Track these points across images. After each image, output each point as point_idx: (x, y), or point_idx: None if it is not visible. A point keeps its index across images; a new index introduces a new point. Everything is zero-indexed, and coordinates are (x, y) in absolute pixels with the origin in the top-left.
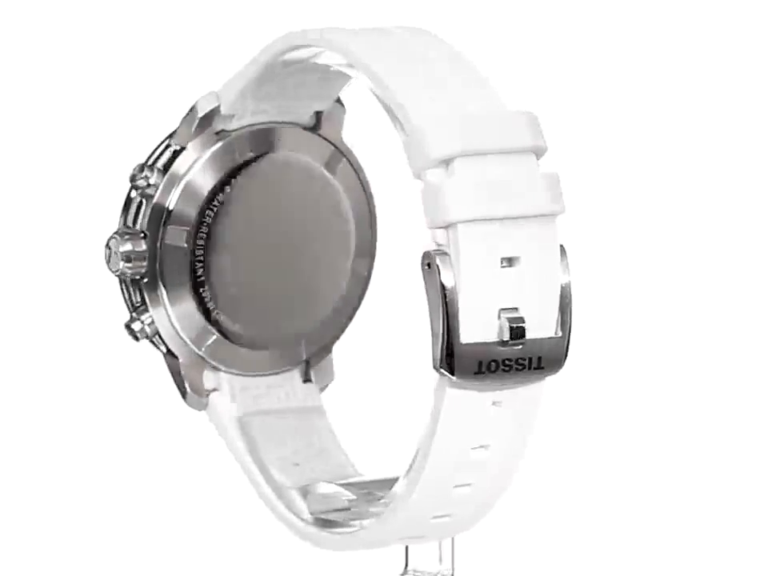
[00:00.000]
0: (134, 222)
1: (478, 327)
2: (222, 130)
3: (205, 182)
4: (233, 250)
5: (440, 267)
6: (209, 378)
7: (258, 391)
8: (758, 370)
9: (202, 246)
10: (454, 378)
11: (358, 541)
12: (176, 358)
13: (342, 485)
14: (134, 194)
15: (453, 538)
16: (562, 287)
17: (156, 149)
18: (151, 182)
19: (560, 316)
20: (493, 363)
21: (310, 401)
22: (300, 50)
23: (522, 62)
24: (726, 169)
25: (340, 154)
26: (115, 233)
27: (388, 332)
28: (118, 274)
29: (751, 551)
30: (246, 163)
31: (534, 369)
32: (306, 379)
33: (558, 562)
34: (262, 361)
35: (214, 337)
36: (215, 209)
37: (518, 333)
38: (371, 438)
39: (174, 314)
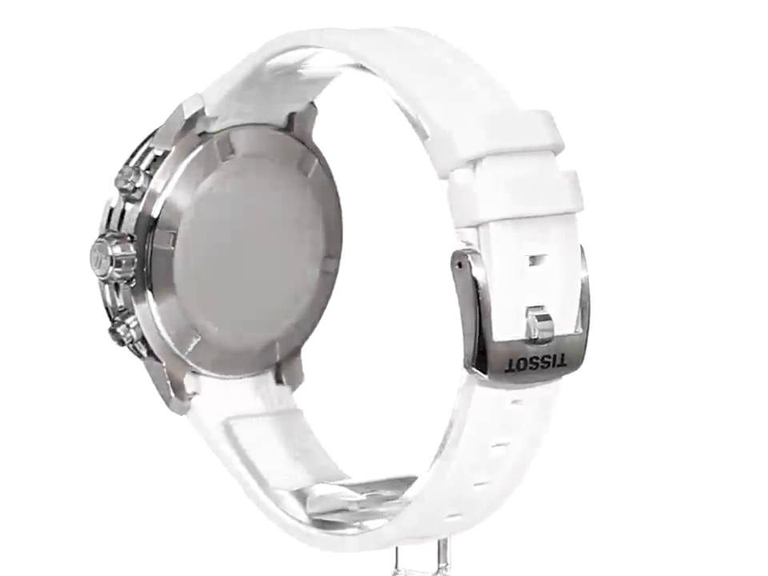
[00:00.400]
0: (119, 225)
1: (509, 325)
2: (204, 132)
3: (192, 184)
4: (215, 254)
5: (473, 266)
6: (189, 382)
7: (237, 394)
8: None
9: (187, 249)
10: (485, 376)
11: (369, 541)
12: (159, 361)
13: (344, 485)
14: (115, 196)
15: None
16: (581, 284)
17: (137, 150)
18: (137, 185)
19: (579, 312)
20: (522, 361)
21: (285, 403)
22: (298, 51)
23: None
24: (724, 166)
25: (312, 155)
26: (101, 236)
27: (351, 331)
28: (105, 278)
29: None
30: (228, 165)
31: (557, 366)
32: (279, 381)
33: (556, 562)
34: (239, 363)
35: (197, 340)
36: (200, 211)
37: (547, 330)
38: (347, 437)
39: (160, 317)
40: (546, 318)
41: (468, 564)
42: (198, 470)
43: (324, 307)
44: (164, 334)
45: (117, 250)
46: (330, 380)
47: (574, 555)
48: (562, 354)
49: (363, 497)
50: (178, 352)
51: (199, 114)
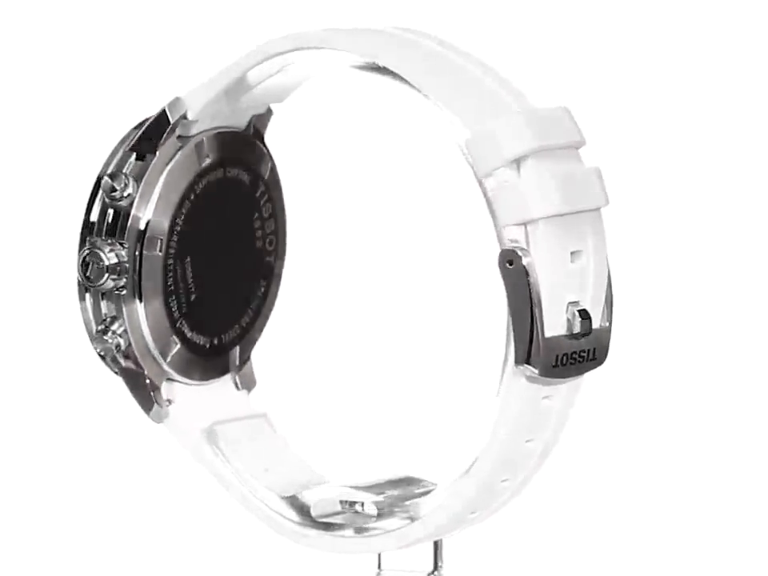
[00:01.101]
0: (106, 232)
1: (555, 321)
2: (181, 136)
3: (175, 189)
4: (192, 258)
5: (525, 264)
6: (165, 390)
7: (208, 400)
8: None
9: (171, 254)
10: (536, 372)
11: (392, 541)
12: (141, 369)
13: (351, 488)
14: (96, 201)
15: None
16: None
17: (115, 155)
18: (126, 192)
19: (605, 306)
20: (565, 356)
21: (248, 408)
22: (300, 52)
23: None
24: (721, 161)
25: (267, 157)
26: (93, 245)
27: (299, 333)
28: (97, 286)
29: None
30: (205, 169)
31: (589, 361)
32: (236, 386)
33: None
34: (207, 369)
35: (177, 347)
36: (182, 216)
37: (587, 325)
38: (306, 440)
39: (147, 324)
40: (585, 312)
41: (460, 564)
42: (172, 478)
43: (272, 309)
44: (149, 340)
45: (112, 258)
46: (281, 383)
47: (566, 555)
48: (594, 349)
49: (381, 498)
50: (160, 359)
51: (182, 117)
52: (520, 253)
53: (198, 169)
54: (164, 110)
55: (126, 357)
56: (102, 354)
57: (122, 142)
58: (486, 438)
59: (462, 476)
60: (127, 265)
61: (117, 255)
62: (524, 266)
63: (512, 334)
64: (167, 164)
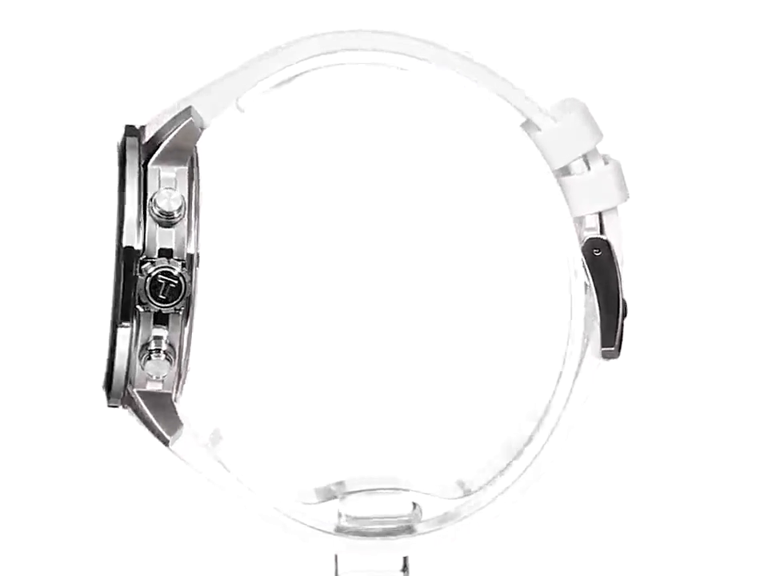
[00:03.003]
0: (162, 252)
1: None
2: None
3: (199, 200)
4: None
5: (614, 251)
6: None
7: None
8: None
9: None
10: (618, 354)
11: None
12: (170, 390)
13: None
14: (149, 220)
15: None
16: None
17: (133, 167)
18: (180, 208)
19: None
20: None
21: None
22: (334, 55)
23: None
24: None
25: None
26: (157, 264)
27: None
28: (169, 306)
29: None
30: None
31: None
32: None
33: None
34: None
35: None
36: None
37: (626, 309)
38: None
39: (188, 342)
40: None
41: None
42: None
43: None
44: (184, 358)
45: (186, 276)
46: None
47: (533, 551)
48: None
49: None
50: (182, 379)
51: (201, 128)
52: (606, 240)
53: (199, 177)
54: (189, 120)
55: (161, 379)
56: (153, 376)
57: (137, 153)
58: (552, 418)
59: (531, 463)
60: (190, 283)
61: (190, 273)
62: (612, 252)
63: (598, 317)
64: (194, 176)
